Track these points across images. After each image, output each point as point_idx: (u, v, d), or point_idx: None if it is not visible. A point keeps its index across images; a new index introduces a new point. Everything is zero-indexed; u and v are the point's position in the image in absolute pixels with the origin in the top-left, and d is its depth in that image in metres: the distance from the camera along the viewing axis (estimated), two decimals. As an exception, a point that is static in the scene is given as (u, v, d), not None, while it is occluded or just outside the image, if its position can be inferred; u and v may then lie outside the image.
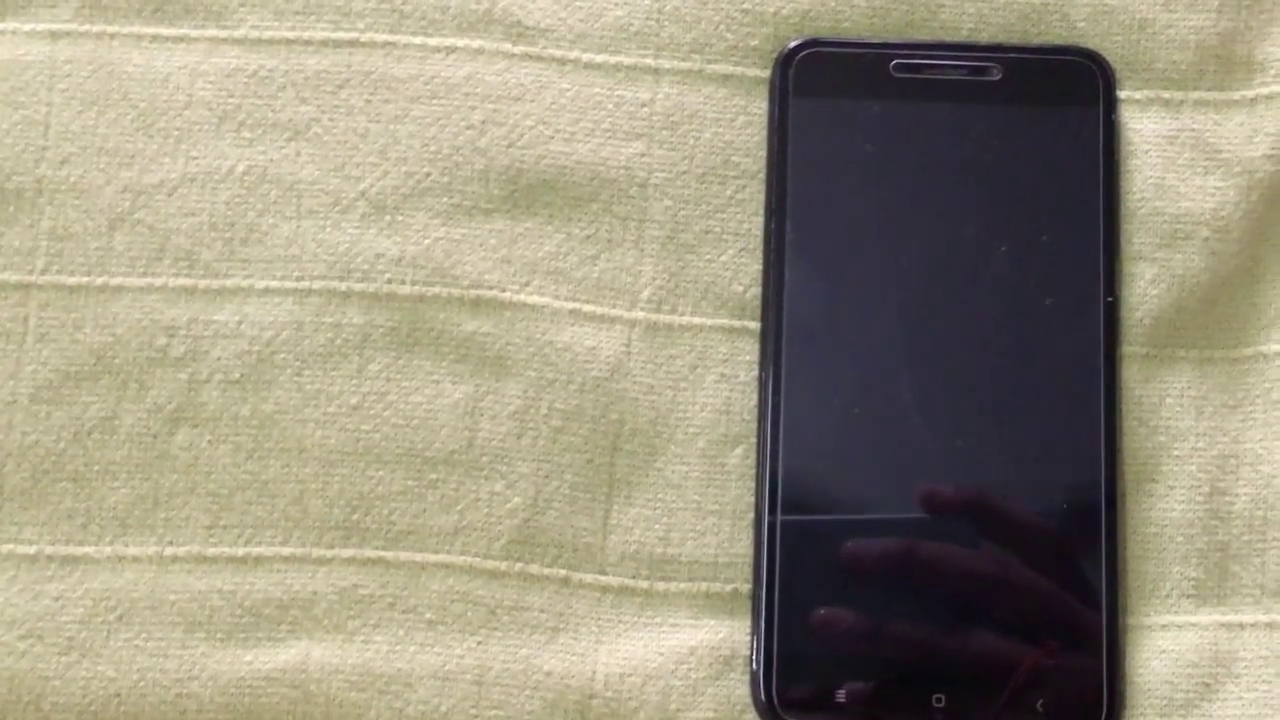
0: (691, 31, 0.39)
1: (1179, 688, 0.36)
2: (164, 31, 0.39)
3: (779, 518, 0.36)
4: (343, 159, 0.38)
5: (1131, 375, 0.38)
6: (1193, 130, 0.39)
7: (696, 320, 0.38)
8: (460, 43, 0.39)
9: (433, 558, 0.37)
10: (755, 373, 0.38)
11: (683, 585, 0.37)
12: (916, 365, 0.37)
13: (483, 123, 0.38)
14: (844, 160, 0.38)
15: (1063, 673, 0.35)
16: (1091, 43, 0.39)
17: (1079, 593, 0.36)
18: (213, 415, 0.37)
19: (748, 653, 0.36)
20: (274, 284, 0.38)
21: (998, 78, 0.38)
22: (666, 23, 0.39)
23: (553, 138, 0.38)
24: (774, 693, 0.35)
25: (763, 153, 0.38)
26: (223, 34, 0.39)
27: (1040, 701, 0.35)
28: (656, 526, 0.37)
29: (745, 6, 0.39)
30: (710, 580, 0.37)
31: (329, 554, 0.37)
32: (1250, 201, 0.38)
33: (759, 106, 0.39)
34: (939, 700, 0.35)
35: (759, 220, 0.38)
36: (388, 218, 0.38)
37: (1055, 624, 0.36)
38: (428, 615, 0.36)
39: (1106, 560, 0.36)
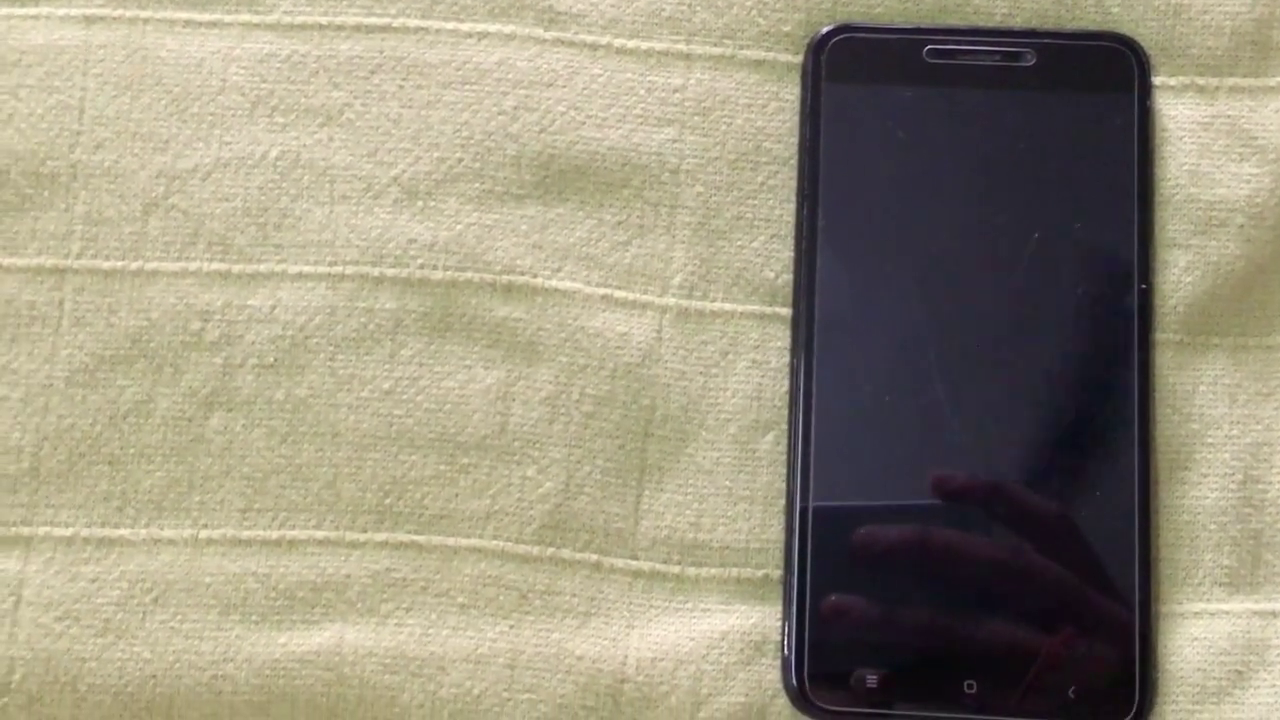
0: (723, 17, 0.39)
1: (1211, 675, 0.36)
2: (197, 16, 0.39)
3: (810, 504, 0.36)
4: (375, 144, 0.38)
5: (1165, 363, 0.37)
6: (1228, 117, 0.38)
7: (728, 306, 0.38)
8: (492, 28, 0.39)
9: (465, 542, 0.37)
10: (786, 359, 0.38)
11: (714, 570, 0.37)
12: (948, 352, 0.37)
13: (515, 108, 0.38)
14: (876, 146, 0.38)
15: (1095, 660, 0.35)
16: (1126, 28, 0.39)
17: (1112, 580, 0.36)
18: (247, 399, 0.37)
19: (779, 638, 0.36)
20: (307, 269, 0.38)
21: (1032, 63, 0.38)
22: (699, 8, 0.39)
23: (584, 123, 0.38)
24: (805, 678, 0.36)
25: (794, 139, 0.38)
26: (256, 19, 0.39)
27: (1072, 688, 0.35)
28: (688, 512, 0.37)
29: (778, -8, 0.39)
30: (741, 565, 0.37)
31: (362, 538, 0.37)
32: (1286, 188, 0.38)
33: (791, 92, 0.39)
34: (970, 686, 0.35)
35: (790, 206, 0.38)
36: (420, 203, 0.38)
37: (1088, 611, 0.36)
38: (460, 599, 0.37)
39: (1139, 547, 0.36)
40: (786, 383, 0.37)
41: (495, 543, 0.37)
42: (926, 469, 0.36)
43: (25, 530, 0.37)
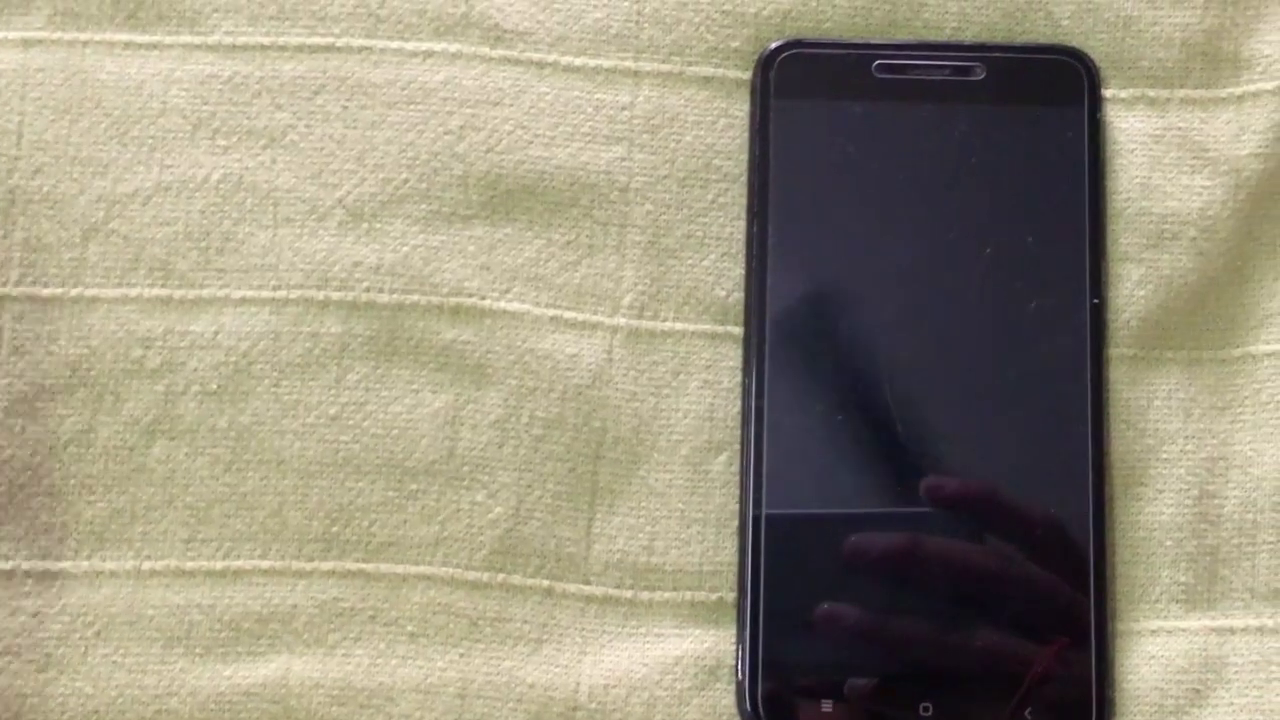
0: (671, 33, 0.38)
1: (1169, 694, 0.36)
2: (137, 39, 0.38)
3: (763, 525, 0.36)
4: (319, 166, 0.38)
5: (1119, 377, 0.37)
6: (1179, 129, 0.38)
7: (679, 326, 0.38)
8: (437, 47, 0.38)
9: (414, 569, 0.36)
10: (738, 378, 0.37)
11: (667, 594, 0.36)
12: (900, 369, 0.36)
13: (461, 128, 0.38)
14: (826, 162, 0.37)
15: (1051, 679, 0.35)
16: (1076, 41, 0.38)
17: (1068, 598, 0.35)
18: (190, 427, 0.37)
19: (733, 662, 0.36)
20: (250, 294, 0.37)
21: (981, 77, 0.38)
22: (646, 25, 0.38)
23: (532, 142, 0.38)
24: (759, 702, 0.35)
25: (744, 155, 0.38)
26: (196, 40, 0.38)
27: (1029, 709, 0.35)
28: (640, 535, 0.37)
29: (725, 8, 0.38)
30: (695, 589, 0.36)
31: (309, 567, 0.36)
32: (1237, 201, 0.38)
33: (740, 109, 0.38)
34: (926, 709, 0.35)
35: (741, 224, 0.38)
36: (365, 225, 0.38)
37: (1044, 630, 0.35)
38: (409, 628, 0.36)
39: (1095, 565, 0.36)
40: (738, 402, 0.37)
41: (445, 570, 0.36)
42: (879, 487, 0.36)
43: (-35, 564, 0.36)
